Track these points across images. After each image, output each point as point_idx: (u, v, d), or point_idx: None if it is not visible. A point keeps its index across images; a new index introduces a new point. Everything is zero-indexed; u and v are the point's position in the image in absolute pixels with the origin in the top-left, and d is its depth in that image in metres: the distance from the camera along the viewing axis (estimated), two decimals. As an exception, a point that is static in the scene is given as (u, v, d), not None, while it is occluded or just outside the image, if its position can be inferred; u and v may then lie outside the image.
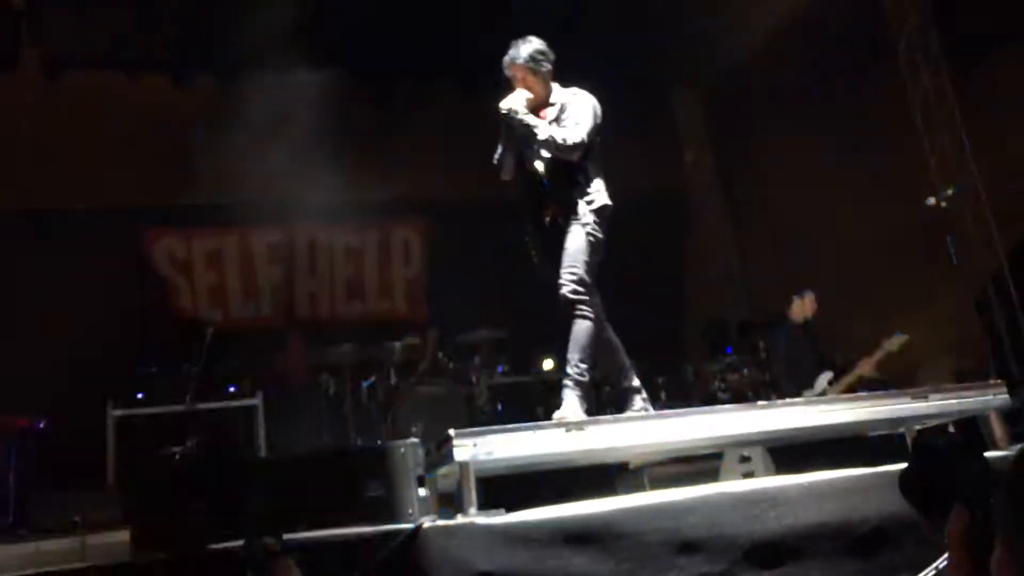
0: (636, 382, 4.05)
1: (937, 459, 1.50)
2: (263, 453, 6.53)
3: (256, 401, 7.04)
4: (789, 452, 3.79)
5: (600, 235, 3.97)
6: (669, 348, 9.18)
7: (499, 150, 4.19)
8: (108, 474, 6.61)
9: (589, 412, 3.76)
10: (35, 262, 7.97)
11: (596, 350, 3.89)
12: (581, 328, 3.84)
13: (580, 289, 3.85)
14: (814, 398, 3.90)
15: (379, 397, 6.75)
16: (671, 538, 2.97)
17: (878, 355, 6.37)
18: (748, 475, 3.91)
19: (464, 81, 8.82)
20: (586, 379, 3.84)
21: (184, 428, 6.39)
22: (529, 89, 4.15)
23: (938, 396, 3.78)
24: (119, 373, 7.20)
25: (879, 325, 6.90)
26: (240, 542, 2.62)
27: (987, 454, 3.61)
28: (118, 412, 6.69)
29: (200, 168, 8.53)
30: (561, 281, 3.85)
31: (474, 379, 7.02)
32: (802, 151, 8.62)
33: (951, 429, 4.16)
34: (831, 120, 8.35)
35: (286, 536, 2.62)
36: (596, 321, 3.86)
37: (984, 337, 6.95)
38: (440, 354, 7.26)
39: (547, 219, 4.04)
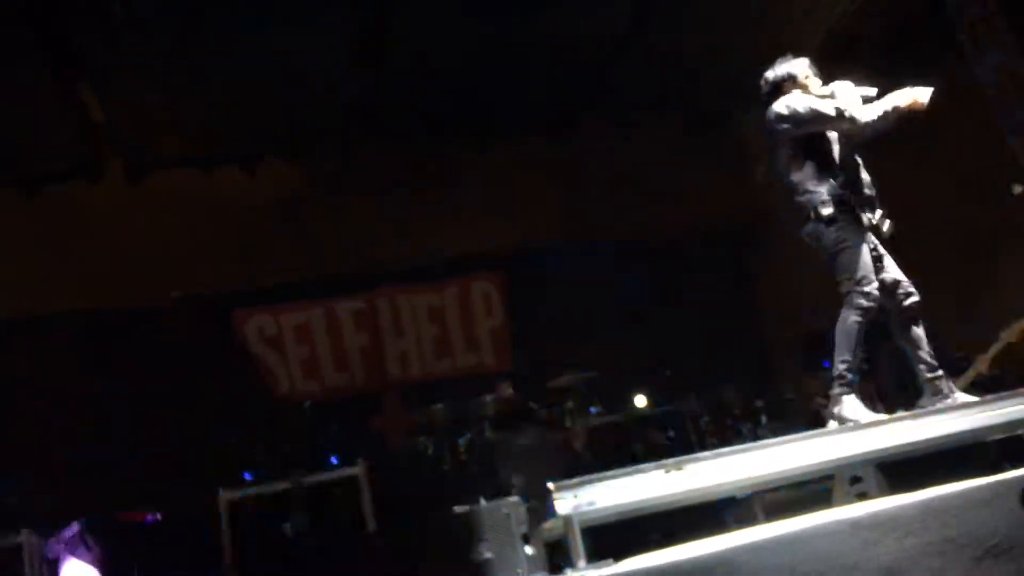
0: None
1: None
2: (370, 522, 6.59)
3: (358, 470, 7.13)
4: (901, 467, 3.63)
5: None
6: (762, 369, 8.99)
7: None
8: (225, 556, 6.77)
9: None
10: (137, 357, 8.31)
11: None
12: None
13: None
14: (921, 410, 3.75)
15: (476, 453, 6.77)
16: (790, 572, 2.87)
17: (995, 349, 6.05)
18: (861, 496, 3.75)
19: (522, 130, 8.90)
20: None
21: (293, 503, 6.54)
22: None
23: (1052, 393, 3.58)
24: (225, 456, 7.44)
25: (980, 321, 6.60)
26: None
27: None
28: (228, 495, 6.86)
29: (280, 247, 8.86)
30: (912, 289, 4.15)
31: (568, 424, 6.97)
32: (872, 153, 8.39)
33: None
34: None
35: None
36: None
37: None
38: (531, 402, 7.25)
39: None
